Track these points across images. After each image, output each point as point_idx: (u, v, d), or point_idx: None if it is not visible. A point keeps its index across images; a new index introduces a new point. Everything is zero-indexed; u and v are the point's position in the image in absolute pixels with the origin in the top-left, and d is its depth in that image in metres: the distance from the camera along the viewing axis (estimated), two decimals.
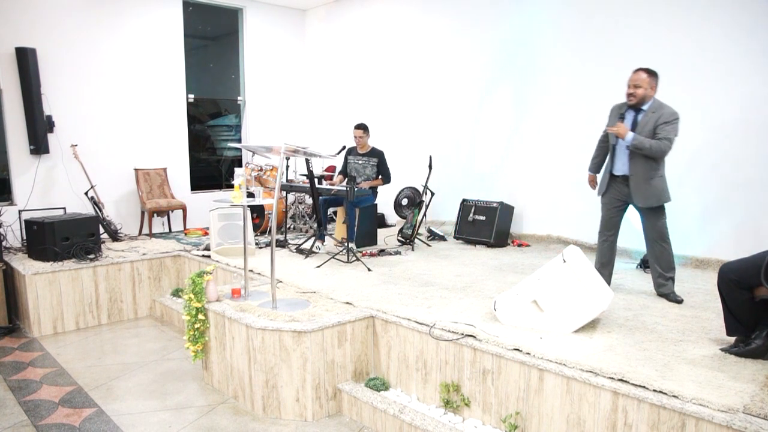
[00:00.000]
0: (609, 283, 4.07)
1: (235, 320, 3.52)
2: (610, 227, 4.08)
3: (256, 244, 5.87)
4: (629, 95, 3.73)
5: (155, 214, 6.94)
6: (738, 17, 4.50)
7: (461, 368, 3.11)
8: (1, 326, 5.06)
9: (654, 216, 3.85)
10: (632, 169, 3.80)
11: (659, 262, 3.87)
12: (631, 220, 5.26)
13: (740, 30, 4.49)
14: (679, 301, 3.75)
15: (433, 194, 6.22)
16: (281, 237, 6.12)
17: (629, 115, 3.79)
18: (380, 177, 5.87)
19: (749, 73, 4.47)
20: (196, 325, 3.79)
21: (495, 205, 5.94)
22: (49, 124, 6.42)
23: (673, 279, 3.86)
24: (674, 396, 2.34)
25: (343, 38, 8.31)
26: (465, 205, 6.22)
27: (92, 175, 6.31)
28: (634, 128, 3.74)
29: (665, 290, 3.85)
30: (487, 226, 5.92)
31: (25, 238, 5.84)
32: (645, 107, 3.72)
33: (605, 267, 4.09)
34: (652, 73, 3.70)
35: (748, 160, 4.53)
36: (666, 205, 3.87)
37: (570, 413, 2.66)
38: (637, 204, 3.87)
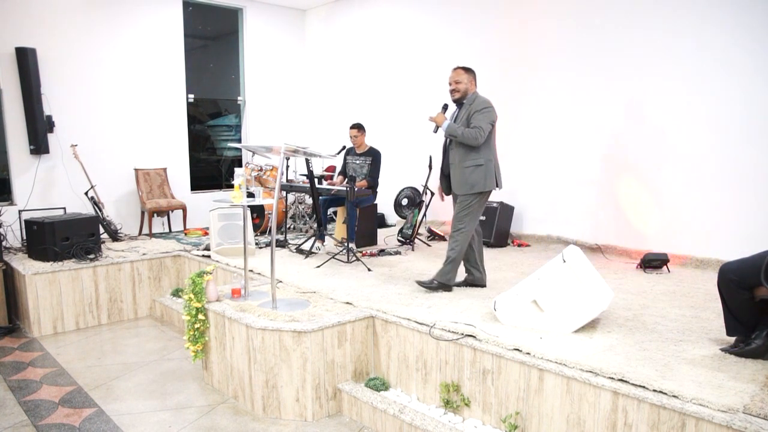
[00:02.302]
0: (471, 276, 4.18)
1: (235, 320, 3.52)
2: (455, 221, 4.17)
3: (256, 244, 5.87)
4: (452, 91, 3.98)
5: (155, 214, 6.94)
6: (739, 17, 4.50)
7: (461, 368, 3.11)
8: (1, 326, 5.06)
9: (461, 203, 3.94)
10: (452, 158, 3.99)
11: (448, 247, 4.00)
12: (630, 219, 5.27)
13: (742, 29, 4.49)
14: (433, 287, 3.94)
15: (433, 194, 6.21)
16: (281, 237, 6.12)
17: (456, 111, 4.03)
18: (366, 179, 5.75)
19: (751, 73, 4.47)
20: (196, 325, 3.79)
21: (495, 205, 5.94)
22: (49, 124, 6.42)
23: (448, 267, 3.96)
24: (674, 396, 2.34)
25: (343, 38, 8.31)
26: None
27: (92, 175, 6.31)
28: (456, 122, 3.94)
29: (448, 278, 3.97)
30: (487, 226, 5.91)
31: (25, 238, 5.84)
32: (465, 101, 3.94)
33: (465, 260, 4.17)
34: (468, 70, 3.96)
35: (749, 161, 4.53)
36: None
37: (570, 413, 2.66)
38: (453, 190, 4.00)
